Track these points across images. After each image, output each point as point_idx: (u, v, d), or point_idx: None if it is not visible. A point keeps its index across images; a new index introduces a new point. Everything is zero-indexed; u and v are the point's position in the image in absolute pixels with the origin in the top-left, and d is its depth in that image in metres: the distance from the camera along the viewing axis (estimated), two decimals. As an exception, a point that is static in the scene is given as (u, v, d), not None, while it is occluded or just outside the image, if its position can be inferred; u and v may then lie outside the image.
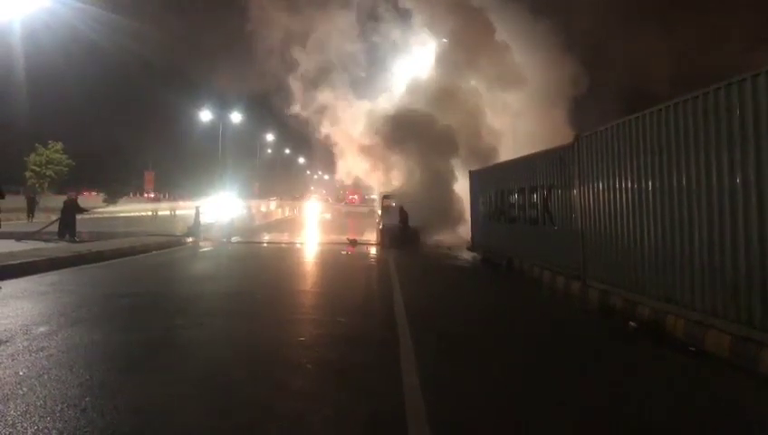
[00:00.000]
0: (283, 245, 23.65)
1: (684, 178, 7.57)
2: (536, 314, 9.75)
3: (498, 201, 16.67)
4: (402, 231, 22.58)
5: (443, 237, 22.41)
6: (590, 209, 10.69)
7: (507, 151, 23.00)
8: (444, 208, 23.57)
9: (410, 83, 31.14)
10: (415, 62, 32.21)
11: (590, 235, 10.66)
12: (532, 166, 14.06)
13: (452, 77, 28.78)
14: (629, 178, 9.11)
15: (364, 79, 35.40)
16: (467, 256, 19.09)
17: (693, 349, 6.86)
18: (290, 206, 59.09)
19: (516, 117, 28.29)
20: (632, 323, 8.25)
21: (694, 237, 7.35)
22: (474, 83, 28.86)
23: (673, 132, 7.82)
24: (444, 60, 29.73)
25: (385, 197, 28.30)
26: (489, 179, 17.91)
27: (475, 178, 19.59)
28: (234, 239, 23.95)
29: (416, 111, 28.21)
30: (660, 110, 8.15)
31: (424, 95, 28.91)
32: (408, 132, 27.86)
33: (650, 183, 8.44)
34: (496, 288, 13.13)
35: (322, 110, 38.19)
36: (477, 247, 18.88)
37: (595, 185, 10.45)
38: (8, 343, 6.35)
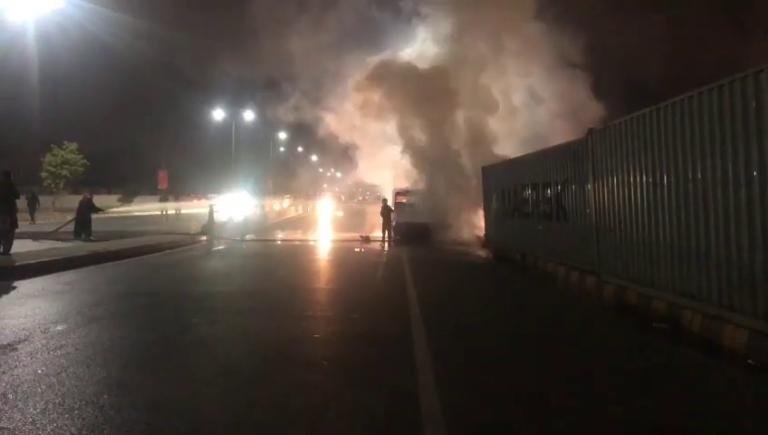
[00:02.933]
0: (297, 242, 23.71)
1: (700, 172, 7.49)
2: (551, 310, 9.70)
3: (511, 197, 16.60)
4: (414, 227, 22.55)
5: (457, 234, 22.32)
6: (604, 204, 10.63)
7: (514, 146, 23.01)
8: (458, 205, 23.45)
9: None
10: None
11: (604, 230, 10.60)
12: (546, 161, 13.99)
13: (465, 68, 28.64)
14: (644, 172, 9.03)
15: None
16: (481, 252, 19.04)
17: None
18: (303, 203, 59.23)
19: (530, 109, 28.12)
20: (657, 325, 8.15)
21: (710, 231, 7.28)
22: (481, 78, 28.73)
23: (688, 125, 7.75)
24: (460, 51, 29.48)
25: (398, 193, 28.24)
26: (502, 175, 17.84)
27: (487, 174, 19.52)
28: (247, 237, 24.03)
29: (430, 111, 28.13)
30: (675, 103, 8.07)
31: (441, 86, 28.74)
32: (421, 127, 27.88)
33: (666, 177, 8.36)
34: (510, 284, 13.09)
35: (332, 106, 38.16)
36: (491, 243, 18.82)
37: (609, 179, 10.38)
38: (27, 342, 6.41)
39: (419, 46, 31.41)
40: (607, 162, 10.48)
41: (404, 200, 26.49)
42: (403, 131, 29.77)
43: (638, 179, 9.29)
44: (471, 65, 27.82)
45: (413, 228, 22.68)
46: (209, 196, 44.90)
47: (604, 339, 7.54)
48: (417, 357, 6.13)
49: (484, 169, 19.96)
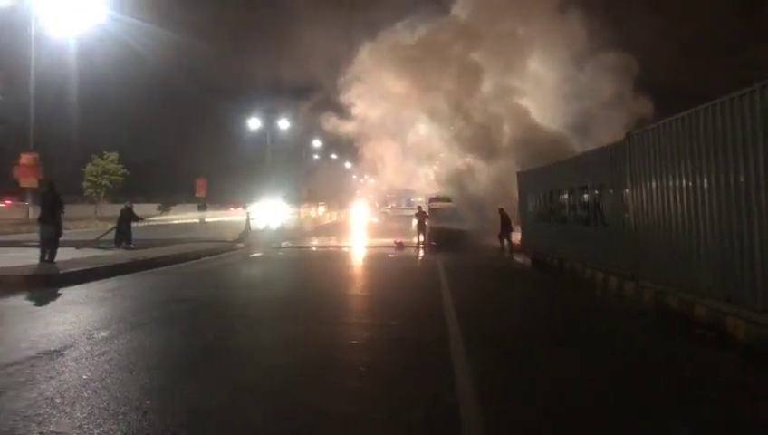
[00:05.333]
0: (332, 249, 23.85)
1: (743, 175, 7.32)
2: (589, 316, 9.58)
3: (548, 202, 16.44)
4: (449, 233, 22.47)
5: (493, 239, 22.17)
6: (643, 208, 10.45)
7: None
8: (493, 210, 23.33)
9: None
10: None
11: (643, 234, 10.42)
12: (582, 165, 13.84)
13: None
14: (685, 175, 8.86)
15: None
16: (517, 257, 18.89)
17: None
18: (337, 210, 59.53)
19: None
20: (699, 331, 7.98)
21: (754, 235, 7.10)
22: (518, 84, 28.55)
23: (730, 128, 7.58)
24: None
25: (432, 199, 28.24)
26: (538, 180, 17.69)
27: (523, 179, 19.38)
28: (283, 244, 24.25)
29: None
30: (716, 105, 7.91)
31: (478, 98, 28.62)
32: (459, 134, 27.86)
33: (707, 180, 8.19)
34: (548, 290, 12.95)
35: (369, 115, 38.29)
36: (527, 249, 18.67)
37: (648, 183, 10.21)
38: (72, 348, 6.57)
39: (455, 37, 31.13)
40: (645, 166, 10.32)
41: (439, 206, 26.45)
42: (439, 132, 29.82)
43: (677, 183, 9.11)
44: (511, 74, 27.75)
45: (448, 234, 22.62)
46: (245, 204, 45.40)
47: (644, 345, 7.41)
48: (456, 364, 6.11)
49: (519, 174, 19.83)
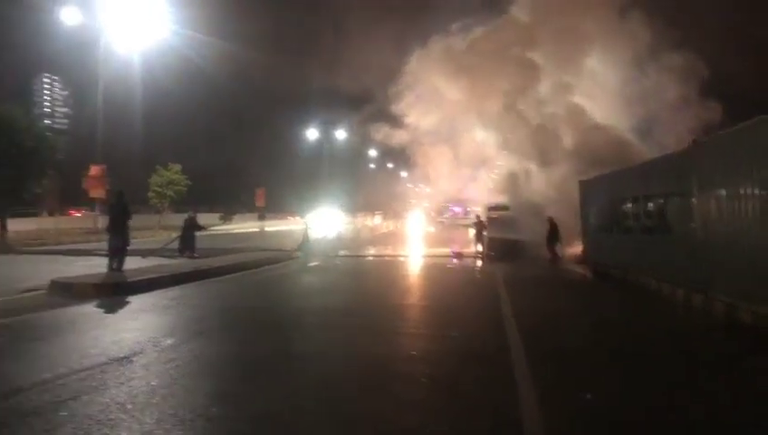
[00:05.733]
0: (389, 258, 23.88)
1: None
2: (655, 330, 9.26)
3: (610, 211, 16.05)
4: (508, 243, 22.19)
5: (553, 249, 21.78)
6: (712, 218, 10.08)
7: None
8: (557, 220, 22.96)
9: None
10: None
11: (713, 245, 10.03)
12: (647, 173, 13.47)
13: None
14: (756, 183, 8.51)
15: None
16: (579, 268, 18.49)
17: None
18: (393, 219, 59.65)
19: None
20: None
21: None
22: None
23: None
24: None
25: (490, 208, 27.98)
26: (600, 189, 17.31)
27: (585, 187, 18.99)
28: (341, 253, 24.43)
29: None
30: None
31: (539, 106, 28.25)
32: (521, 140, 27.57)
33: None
34: (611, 301, 12.62)
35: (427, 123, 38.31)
36: (589, 259, 18.25)
37: (717, 192, 9.85)
38: (140, 355, 6.77)
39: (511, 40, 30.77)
40: (713, 174, 9.96)
41: (497, 215, 26.17)
42: (498, 140, 29.55)
43: (749, 191, 8.75)
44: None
45: (506, 244, 22.33)
46: (303, 213, 46.05)
47: (714, 361, 7.11)
48: (518, 377, 6.01)
49: (581, 182, 19.44)
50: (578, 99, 27.73)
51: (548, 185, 26.81)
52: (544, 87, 28.70)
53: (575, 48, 27.61)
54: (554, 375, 6.23)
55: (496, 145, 33.04)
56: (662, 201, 12.48)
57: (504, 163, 34.80)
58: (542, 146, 27.20)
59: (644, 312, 11.03)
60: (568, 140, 26.81)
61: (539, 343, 7.73)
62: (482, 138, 34.77)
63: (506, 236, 22.89)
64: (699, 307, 10.31)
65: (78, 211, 46.12)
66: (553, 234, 20.59)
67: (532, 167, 28.63)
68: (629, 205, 14.55)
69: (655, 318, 10.34)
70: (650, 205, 13.18)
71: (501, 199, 31.77)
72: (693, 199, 10.86)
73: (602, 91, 27.75)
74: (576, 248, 20.00)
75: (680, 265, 11.40)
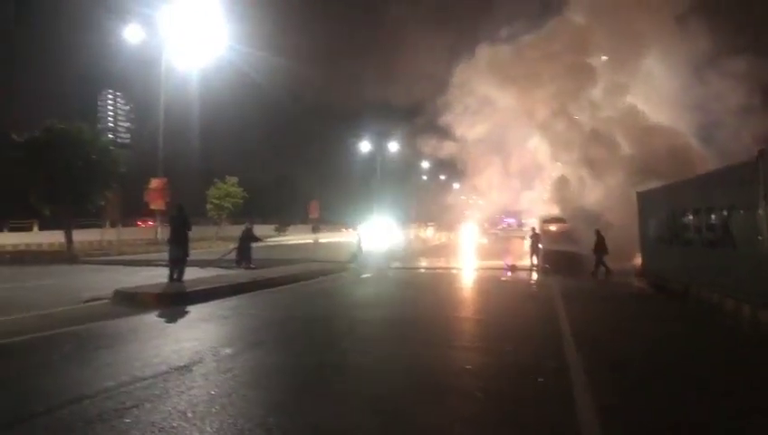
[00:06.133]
0: (441, 270, 23.75)
1: None
2: (719, 346, 8.95)
3: (670, 223, 15.60)
4: (564, 256, 21.79)
5: (610, 262, 21.31)
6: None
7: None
8: (611, 232, 22.46)
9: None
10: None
11: (781, 259, 9.64)
12: (709, 184, 13.04)
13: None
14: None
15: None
16: (637, 282, 18.02)
17: None
18: (446, 231, 59.38)
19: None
20: None
21: None
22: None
23: None
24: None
25: (545, 220, 27.56)
26: (659, 201, 16.84)
27: (643, 199, 18.53)
28: (393, 265, 24.43)
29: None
30: None
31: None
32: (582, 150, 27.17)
33: None
34: (672, 317, 12.25)
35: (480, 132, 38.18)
36: (648, 273, 17.76)
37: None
38: (200, 364, 6.92)
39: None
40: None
41: (553, 228, 25.75)
42: (555, 151, 29.19)
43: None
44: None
45: (564, 257, 21.93)
46: (355, 225, 46.34)
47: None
48: (576, 392, 5.89)
49: (639, 194, 18.98)
50: (635, 103, 27.11)
51: (604, 194, 26.32)
52: (599, 91, 28.21)
53: (631, 52, 27.06)
54: (614, 392, 6.09)
55: (549, 154, 32.66)
56: (725, 213, 12.05)
57: (557, 173, 34.38)
58: (597, 153, 26.73)
59: (707, 328, 10.69)
60: (625, 147, 26.25)
61: (598, 359, 7.58)
62: (535, 146, 34.45)
63: (563, 249, 22.47)
64: (766, 323, 9.90)
65: (144, 223, 47.50)
66: (600, 246, 20.18)
67: (587, 175, 28.18)
68: (690, 217, 14.11)
69: (719, 335, 10.01)
70: (713, 217, 12.74)
71: (555, 210, 31.30)
72: (759, 211, 10.46)
73: (660, 96, 27.10)
74: (635, 261, 19.51)
75: (745, 280, 10.98)
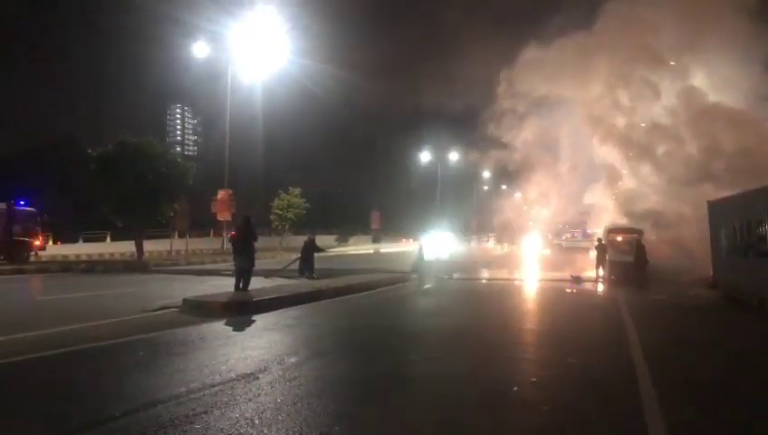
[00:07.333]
0: (504, 281, 23.47)
1: None
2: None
3: (744, 234, 14.99)
4: (632, 267, 21.17)
5: (679, 273, 20.62)
6: None
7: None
8: (684, 244, 21.79)
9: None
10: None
11: None
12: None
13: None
14: None
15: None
16: (708, 294, 17.38)
17: None
18: (508, 241, 58.67)
19: None
20: None
21: None
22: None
23: None
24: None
25: (611, 230, 26.86)
26: (732, 210, 16.22)
27: (714, 209, 17.89)
28: (455, 276, 24.29)
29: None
30: None
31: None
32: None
33: None
34: (746, 331, 11.76)
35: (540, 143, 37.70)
36: (720, 285, 17.11)
37: None
38: (266, 372, 7.06)
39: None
40: None
41: (619, 238, 25.05)
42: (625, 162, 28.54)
43: None
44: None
45: (631, 268, 21.31)
46: (416, 235, 46.31)
47: None
48: (647, 409, 5.72)
49: (710, 203, 18.33)
50: (705, 106, 26.16)
51: (672, 201, 25.56)
52: (667, 95, 27.39)
53: (699, 50, 26.20)
54: (685, 408, 5.90)
55: (619, 162, 31.90)
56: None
57: (624, 180, 33.55)
58: (665, 159, 25.98)
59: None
60: (694, 151, 25.37)
61: (668, 374, 7.35)
62: (600, 155, 33.70)
63: (630, 260, 21.81)
64: None
65: (217, 234, 48.63)
66: (640, 259, 20.09)
67: (659, 184, 27.42)
68: (766, 227, 13.53)
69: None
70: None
71: (622, 220, 30.48)
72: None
73: (732, 96, 26.09)
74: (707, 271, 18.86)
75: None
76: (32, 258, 29.27)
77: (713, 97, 26.23)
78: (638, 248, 20.86)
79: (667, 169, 26.82)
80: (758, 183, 14.48)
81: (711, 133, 24.93)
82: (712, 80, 26.86)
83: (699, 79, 27.24)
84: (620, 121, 29.66)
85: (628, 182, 32.70)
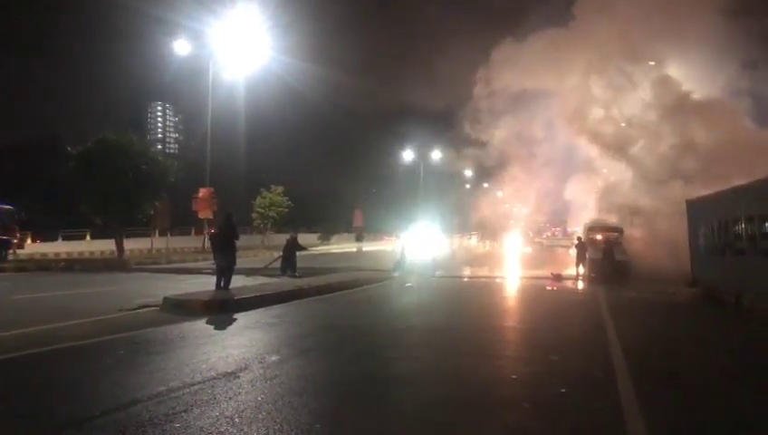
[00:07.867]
0: (486, 279, 23.60)
1: None
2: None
3: (722, 232, 15.20)
4: (610, 265, 21.39)
5: (658, 271, 20.82)
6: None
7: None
8: (663, 241, 22.03)
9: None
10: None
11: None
12: (762, 192, 12.69)
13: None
14: None
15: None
16: (687, 292, 17.59)
17: None
18: (489, 240, 58.97)
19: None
20: None
21: None
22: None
23: None
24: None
25: (590, 229, 27.09)
26: (710, 209, 16.44)
27: (693, 207, 18.11)
28: (437, 274, 24.37)
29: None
30: None
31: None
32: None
33: None
34: (723, 329, 11.93)
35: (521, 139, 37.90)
36: (698, 283, 17.34)
37: None
38: (247, 370, 7.03)
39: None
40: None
41: (598, 236, 25.26)
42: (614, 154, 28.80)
43: None
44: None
45: (609, 266, 21.53)
46: (398, 233, 46.36)
47: None
48: (624, 404, 5.79)
49: (689, 202, 18.56)
50: (689, 99, 26.43)
51: (652, 198, 25.82)
52: (644, 86, 27.66)
53: (678, 44, 26.50)
54: (664, 404, 5.96)
55: (597, 158, 32.18)
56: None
57: (603, 177, 33.85)
58: (644, 155, 26.25)
59: (760, 340, 10.37)
60: (669, 137, 25.64)
61: (647, 370, 7.42)
62: (581, 150, 33.97)
63: (610, 257, 22.03)
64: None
65: (198, 232, 48.41)
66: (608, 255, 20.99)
67: (638, 181, 27.70)
68: (743, 225, 13.74)
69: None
70: (767, 225, 12.39)
71: (602, 217, 30.76)
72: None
73: (708, 93, 26.44)
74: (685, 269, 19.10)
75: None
76: (10, 257, 28.90)
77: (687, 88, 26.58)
78: (605, 251, 21.38)
79: (642, 166, 27.10)
80: (736, 177, 14.70)
81: (687, 129, 25.21)
82: (686, 73, 27.18)
83: (674, 71, 27.56)
84: (597, 114, 29.92)
85: (607, 177, 33.02)
